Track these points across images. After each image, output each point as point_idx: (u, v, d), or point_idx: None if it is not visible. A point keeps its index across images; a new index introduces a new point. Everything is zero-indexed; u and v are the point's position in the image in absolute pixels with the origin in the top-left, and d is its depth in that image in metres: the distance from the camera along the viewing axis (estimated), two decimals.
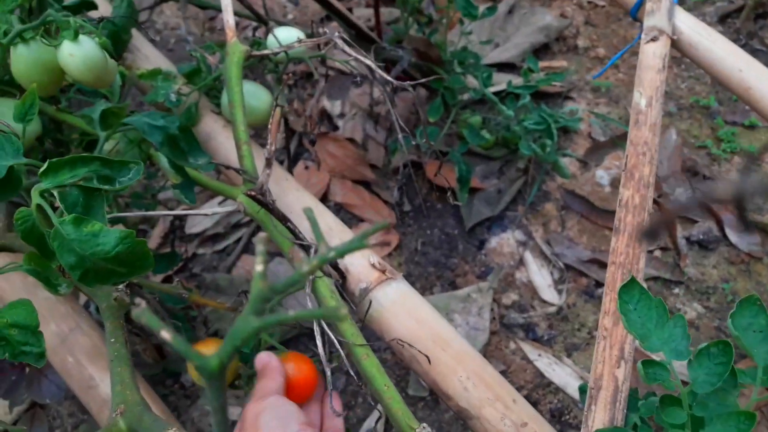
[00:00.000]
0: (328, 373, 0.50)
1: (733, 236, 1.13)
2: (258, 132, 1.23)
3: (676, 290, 1.10)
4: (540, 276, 1.13)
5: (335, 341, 0.54)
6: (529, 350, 1.06)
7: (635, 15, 0.83)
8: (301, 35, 0.70)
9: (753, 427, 0.43)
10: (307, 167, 1.22)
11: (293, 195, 0.67)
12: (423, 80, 0.70)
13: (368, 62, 0.59)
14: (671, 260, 1.12)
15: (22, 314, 0.43)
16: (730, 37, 1.05)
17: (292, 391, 0.54)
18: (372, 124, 1.20)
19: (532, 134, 1.11)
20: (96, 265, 0.41)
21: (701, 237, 1.13)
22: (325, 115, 1.27)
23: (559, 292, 1.11)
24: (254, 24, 1.25)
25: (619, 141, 1.23)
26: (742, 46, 0.97)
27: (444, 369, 0.58)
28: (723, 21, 1.43)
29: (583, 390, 0.57)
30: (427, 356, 0.57)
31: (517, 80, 1.18)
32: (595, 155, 1.22)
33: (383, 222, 0.30)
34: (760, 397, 0.45)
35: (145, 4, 0.97)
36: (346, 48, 0.64)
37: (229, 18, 0.64)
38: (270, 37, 0.69)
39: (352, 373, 0.52)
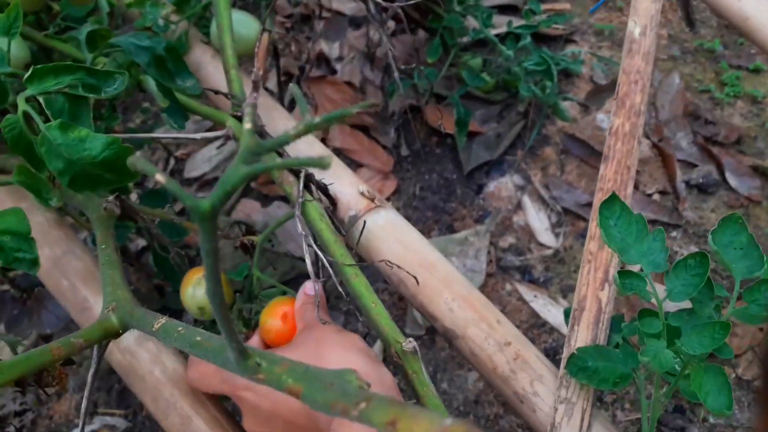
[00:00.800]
0: (319, 287, 0.51)
1: (732, 180, 1.12)
2: (249, 66, 1.22)
3: (674, 233, 1.10)
4: (537, 219, 1.13)
5: (325, 261, 0.55)
6: (525, 291, 1.07)
7: None
8: None
9: (726, 337, 0.43)
10: (303, 116, 1.22)
11: (283, 123, 0.67)
12: (417, 17, 0.69)
13: None
14: (670, 204, 1.12)
15: (14, 221, 0.44)
16: None
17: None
18: (369, 67, 1.19)
19: (532, 76, 1.10)
20: (84, 170, 0.42)
21: (701, 180, 1.12)
22: (322, 58, 1.26)
23: (556, 235, 1.11)
24: None
25: None
26: None
27: (430, 292, 0.59)
28: None
29: (567, 313, 0.58)
30: (415, 277, 0.58)
31: (519, 22, 1.16)
32: (596, 99, 1.21)
33: (369, 101, 0.31)
34: (736, 309, 0.45)
35: None
36: None
37: None
38: None
39: (340, 290, 0.53)
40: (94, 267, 0.62)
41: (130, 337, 0.59)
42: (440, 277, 0.60)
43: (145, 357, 0.58)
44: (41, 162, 0.44)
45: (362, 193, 0.64)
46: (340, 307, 1.07)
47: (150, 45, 0.53)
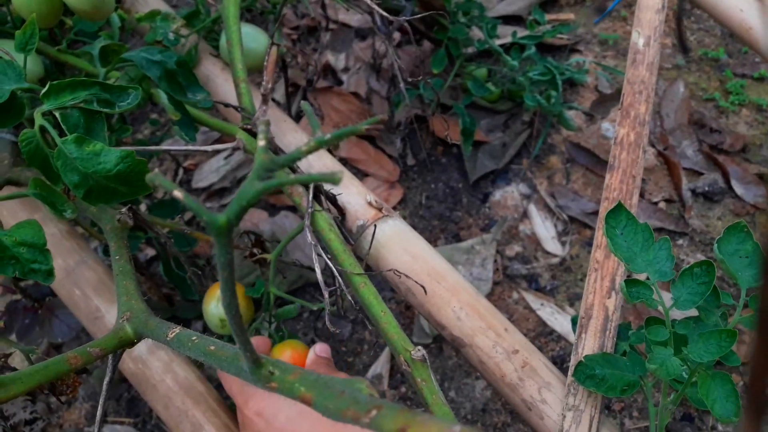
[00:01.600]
0: (326, 295, 0.52)
1: (738, 188, 1.12)
2: (258, 79, 1.24)
3: (681, 241, 1.10)
4: (544, 228, 1.14)
5: (335, 270, 0.56)
6: (532, 300, 1.07)
7: None
8: None
9: (734, 345, 0.44)
10: (314, 132, 1.23)
11: (291, 135, 0.68)
12: (422, 28, 0.70)
13: (368, 1, 0.60)
14: (676, 212, 1.12)
15: (30, 233, 0.45)
16: None
17: None
18: (376, 78, 1.20)
19: (537, 86, 1.11)
20: (98, 183, 0.43)
21: (706, 188, 1.13)
22: (329, 70, 1.27)
23: (563, 243, 1.12)
24: None
25: None
26: None
27: (438, 300, 0.59)
28: None
29: (574, 321, 0.58)
30: (422, 286, 0.58)
31: (524, 32, 1.17)
32: (601, 108, 1.22)
33: (377, 117, 0.31)
34: (742, 317, 0.46)
35: None
36: None
37: None
38: None
39: (349, 298, 0.54)
40: (105, 277, 0.63)
41: (142, 346, 0.60)
42: (448, 286, 0.60)
43: (157, 366, 0.59)
44: (57, 175, 0.45)
45: (370, 203, 0.65)
46: (348, 316, 1.08)
47: (161, 59, 0.54)
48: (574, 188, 1.16)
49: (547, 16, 1.32)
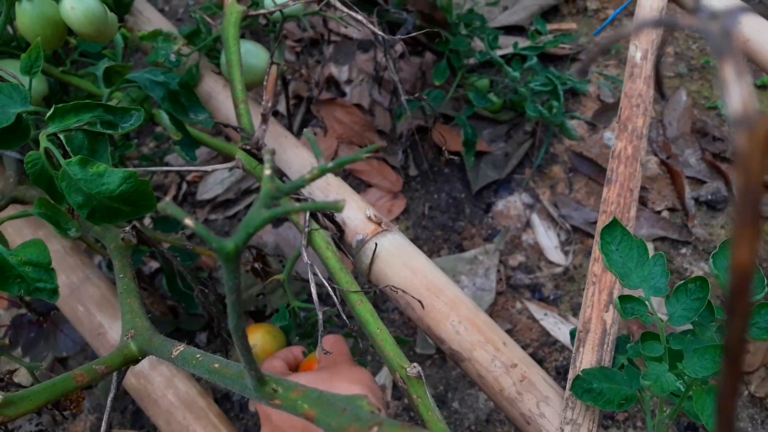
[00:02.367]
0: (320, 315, 0.53)
1: None
2: (260, 93, 1.25)
3: (684, 250, 1.10)
4: (546, 238, 1.14)
5: (330, 289, 0.56)
6: (535, 310, 1.08)
7: None
8: None
9: None
10: (315, 134, 1.24)
11: (292, 152, 0.69)
12: (424, 40, 0.70)
13: (360, 18, 0.60)
14: (679, 220, 1.12)
15: (35, 252, 0.46)
16: None
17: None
18: (378, 90, 1.21)
19: (539, 96, 1.11)
20: (102, 204, 0.44)
21: (709, 197, 1.13)
22: (332, 82, 1.28)
23: (566, 253, 1.12)
24: None
25: None
26: None
27: (437, 315, 0.60)
28: None
29: (572, 334, 0.58)
30: (420, 301, 0.59)
31: (525, 43, 1.18)
32: (603, 117, 1.22)
33: (376, 145, 0.32)
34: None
35: None
36: (342, 7, 0.65)
37: None
38: None
39: (344, 317, 0.55)
40: (109, 293, 0.63)
41: (144, 362, 0.61)
42: (447, 300, 0.61)
43: (158, 381, 0.60)
44: (61, 195, 0.46)
45: (369, 218, 0.66)
46: (351, 327, 1.08)
47: (164, 80, 0.55)
48: (577, 198, 1.16)
49: (549, 26, 1.32)
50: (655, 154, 1.18)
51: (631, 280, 0.47)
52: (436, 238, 1.17)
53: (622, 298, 0.46)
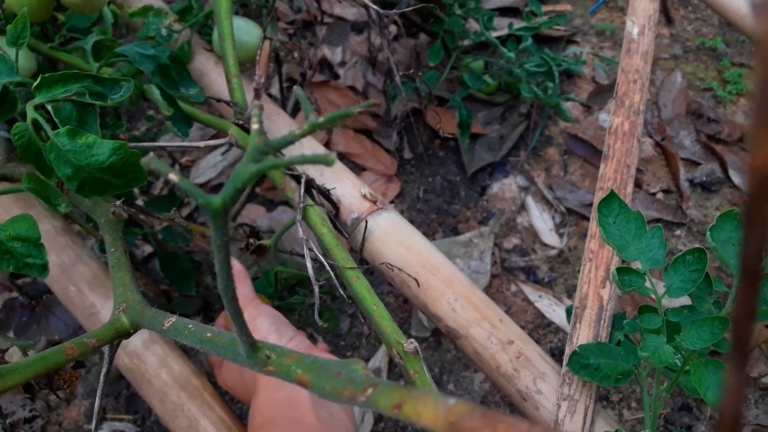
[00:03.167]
0: (316, 289, 0.52)
1: (736, 177, 1.12)
2: (252, 74, 1.24)
3: (678, 232, 1.10)
4: (541, 220, 1.14)
5: (327, 265, 0.56)
6: (530, 292, 1.07)
7: None
8: None
9: (726, 332, 0.44)
10: (308, 117, 1.23)
11: (286, 129, 0.68)
12: (418, 20, 0.70)
13: None
14: (674, 202, 1.12)
15: (24, 227, 0.45)
16: None
17: None
18: (372, 72, 1.20)
19: (534, 77, 1.11)
20: (92, 176, 0.43)
21: (704, 179, 1.13)
22: (325, 64, 1.27)
23: (561, 235, 1.12)
24: None
25: None
26: None
27: (433, 292, 0.59)
28: None
29: (569, 311, 0.58)
30: (416, 279, 0.58)
31: (520, 24, 1.17)
32: (599, 99, 1.21)
33: (370, 101, 0.32)
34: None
35: None
36: None
37: None
38: None
39: (341, 292, 0.54)
40: (101, 273, 0.63)
41: (137, 341, 0.60)
42: (443, 277, 0.60)
43: (152, 360, 0.59)
44: (50, 169, 0.45)
45: (364, 196, 0.65)
46: (346, 310, 1.08)
47: (154, 54, 0.54)
48: (572, 180, 1.16)
49: (544, 8, 1.31)
50: (650, 136, 1.18)
51: (628, 252, 0.46)
52: (431, 221, 1.16)
53: (620, 270, 0.46)
